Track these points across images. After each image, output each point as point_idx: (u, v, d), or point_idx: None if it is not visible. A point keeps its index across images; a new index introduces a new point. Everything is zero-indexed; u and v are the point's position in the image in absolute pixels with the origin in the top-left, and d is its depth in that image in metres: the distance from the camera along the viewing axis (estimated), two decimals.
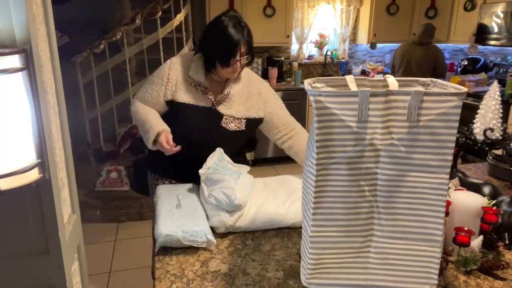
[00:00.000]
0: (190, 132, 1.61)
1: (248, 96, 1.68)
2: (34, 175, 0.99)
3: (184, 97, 1.61)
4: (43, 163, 1.01)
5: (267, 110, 1.72)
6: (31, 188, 1.02)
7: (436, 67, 4.28)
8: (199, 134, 1.60)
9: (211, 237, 1.22)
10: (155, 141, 1.55)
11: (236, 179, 1.40)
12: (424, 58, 4.27)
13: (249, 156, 1.89)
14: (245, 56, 1.56)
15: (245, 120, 1.67)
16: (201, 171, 1.41)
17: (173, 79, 1.62)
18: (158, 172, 1.78)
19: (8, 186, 0.94)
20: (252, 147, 1.96)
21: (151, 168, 1.82)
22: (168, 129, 1.57)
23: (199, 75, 1.61)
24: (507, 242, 1.21)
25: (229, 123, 1.64)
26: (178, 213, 1.30)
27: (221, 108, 1.63)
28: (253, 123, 1.70)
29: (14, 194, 1.00)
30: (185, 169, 1.59)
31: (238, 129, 1.66)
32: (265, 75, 4.79)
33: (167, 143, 1.51)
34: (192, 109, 1.61)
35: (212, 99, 1.62)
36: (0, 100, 0.91)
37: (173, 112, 1.65)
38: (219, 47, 1.55)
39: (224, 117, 1.63)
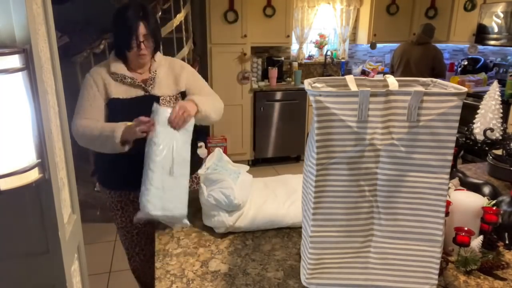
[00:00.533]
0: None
1: (173, 71, 1.73)
2: (34, 175, 0.99)
3: (116, 93, 1.62)
4: (43, 163, 1.01)
5: (187, 84, 1.74)
6: (31, 188, 1.02)
7: (435, 67, 4.27)
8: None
9: (186, 221, 1.34)
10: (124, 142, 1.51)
11: (235, 178, 1.41)
12: (423, 58, 4.27)
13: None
14: (150, 39, 1.59)
15: (179, 95, 1.71)
16: (200, 171, 1.42)
17: (100, 82, 1.62)
18: (113, 184, 1.73)
19: (8, 186, 0.94)
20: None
21: (105, 184, 1.76)
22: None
23: (120, 68, 1.63)
24: (507, 242, 1.21)
25: (167, 103, 1.66)
26: (168, 185, 1.35)
27: (155, 91, 1.66)
28: (184, 96, 1.73)
29: (14, 194, 1.00)
30: (139, 161, 1.58)
31: None
32: (265, 75, 4.80)
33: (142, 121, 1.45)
34: (128, 102, 1.61)
35: (142, 85, 1.65)
36: (0, 100, 0.91)
37: (112, 113, 1.62)
38: (119, 31, 1.58)
39: (161, 98, 1.65)
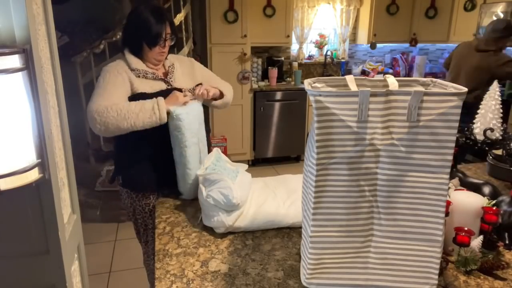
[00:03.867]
0: None
1: (184, 67, 1.82)
2: (34, 175, 0.99)
3: (142, 88, 1.63)
4: (43, 163, 1.01)
5: (203, 76, 1.84)
6: (31, 188, 1.02)
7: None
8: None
9: None
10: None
11: (234, 178, 1.41)
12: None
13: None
14: (171, 37, 1.68)
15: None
16: (198, 172, 1.42)
17: (126, 76, 1.62)
18: (143, 188, 1.72)
19: (8, 186, 0.94)
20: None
21: (134, 188, 1.74)
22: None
23: (140, 65, 1.66)
24: (507, 242, 1.21)
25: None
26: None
27: (176, 84, 1.71)
28: None
29: (14, 194, 1.00)
30: (166, 161, 1.59)
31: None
32: (265, 75, 4.79)
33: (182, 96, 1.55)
34: (154, 96, 1.60)
35: (164, 78, 1.70)
36: (0, 100, 0.91)
37: None
38: (145, 31, 1.62)
39: (183, 91, 1.69)
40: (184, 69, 1.81)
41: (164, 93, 1.64)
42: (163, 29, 1.63)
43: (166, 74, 1.74)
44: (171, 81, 1.71)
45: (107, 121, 1.48)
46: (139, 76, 1.64)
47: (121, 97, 1.56)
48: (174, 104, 1.54)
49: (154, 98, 1.54)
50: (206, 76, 1.86)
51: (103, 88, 1.57)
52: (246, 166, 1.56)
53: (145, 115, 1.50)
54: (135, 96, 1.60)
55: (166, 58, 1.76)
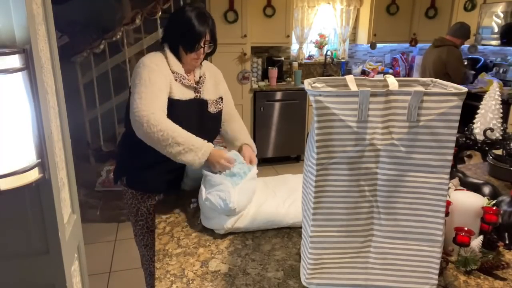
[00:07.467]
0: (186, 128, 1.53)
1: (213, 76, 1.78)
2: (34, 175, 0.99)
3: (176, 94, 1.58)
4: (43, 163, 1.01)
5: (223, 95, 1.81)
6: (31, 188, 1.02)
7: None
8: (193, 127, 1.54)
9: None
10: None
11: (240, 179, 1.40)
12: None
13: None
14: (209, 44, 1.64)
15: (220, 99, 1.75)
16: (205, 170, 1.41)
17: (168, 78, 1.56)
18: (150, 188, 1.70)
19: (8, 186, 0.94)
20: None
21: (143, 189, 1.71)
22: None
23: (179, 68, 1.61)
24: (507, 242, 1.21)
25: (211, 107, 1.70)
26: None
27: (204, 95, 1.68)
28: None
29: (14, 194, 1.00)
30: (173, 164, 1.55)
31: (219, 110, 1.74)
32: (265, 75, 4.80)
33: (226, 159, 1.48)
34: (182, 104, 1.59)
35: (196, 87, 1.66)
36: (0, 100, 0.91)
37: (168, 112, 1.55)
38: (185, 34, 1.58)
39: (208, 102, 1.68)
40: (212, 80, 1.76)
41: (194, 103, 1.62)
42: (203, 34, 1.58)
43: (197, 82, 1.68)
44: (201, 91, 1.67)
45: (149, 135, 1.42)
46: (176, 80, 1.59)
47: (165, 102, 1.51)
48: (215, 164, 1.46)
49: (205, 146, 1.46)
50: (226, 95, 1.81)
51: (150, 90, 1.47)
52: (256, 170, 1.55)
53: (186, 154, 1.43)
54: (170, 102, 1.54)
55: (201, 65, 1.71)
